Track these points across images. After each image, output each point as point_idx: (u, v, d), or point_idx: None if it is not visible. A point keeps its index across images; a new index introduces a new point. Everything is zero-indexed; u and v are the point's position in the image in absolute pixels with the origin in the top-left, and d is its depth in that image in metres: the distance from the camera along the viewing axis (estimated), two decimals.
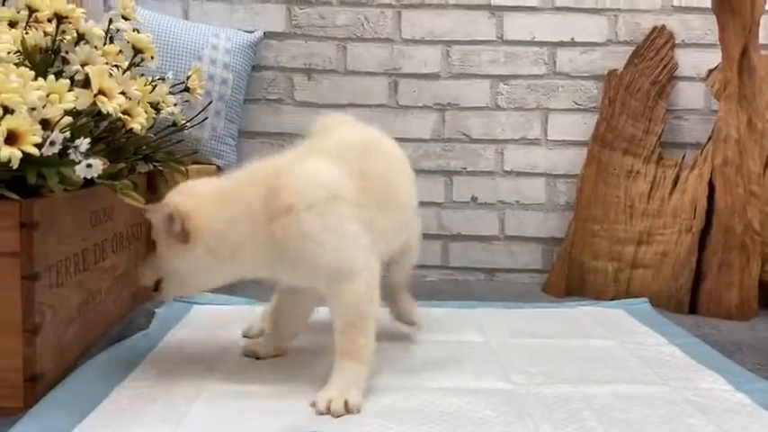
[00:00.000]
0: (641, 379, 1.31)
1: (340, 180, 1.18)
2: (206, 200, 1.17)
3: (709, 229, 1.87)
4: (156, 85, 1.41)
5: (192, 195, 1.19)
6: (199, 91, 1.68)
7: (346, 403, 1.11)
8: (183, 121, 1.72)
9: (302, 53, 2.15)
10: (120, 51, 1.38)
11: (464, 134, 2.18)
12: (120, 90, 1.22)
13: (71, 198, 1.24)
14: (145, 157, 1.36)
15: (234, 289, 1.94)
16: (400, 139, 2.10)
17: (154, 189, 1.79)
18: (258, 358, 1.39)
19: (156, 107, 1.44)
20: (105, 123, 1.24)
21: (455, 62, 2.16)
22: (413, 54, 2.16)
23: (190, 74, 1.70)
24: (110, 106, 1.11)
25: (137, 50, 1.39)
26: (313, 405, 1.14)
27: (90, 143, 1.09)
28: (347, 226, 1.15)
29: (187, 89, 1.67)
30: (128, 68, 1.36)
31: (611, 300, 1.96)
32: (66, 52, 1.24)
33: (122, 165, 1.21)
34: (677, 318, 1.80)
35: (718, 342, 1.59)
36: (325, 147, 1.26)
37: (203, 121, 1.80)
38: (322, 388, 1.16)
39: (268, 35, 2.12)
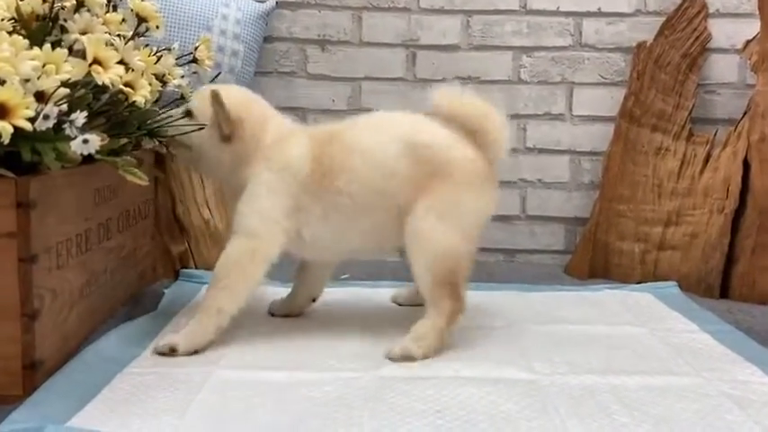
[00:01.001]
0: (673, 370, 1.24)
1: (300, 159, 1.31)
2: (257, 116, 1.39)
3: (743, 210, 1.78)
4: (161, 56, 1.34)
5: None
6: (207, 62, 1.60)
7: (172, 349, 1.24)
8: (191, 94, 1.65)
9: (316, 24, 2.06)
10: (124, 20, 1.30)
11: None
12: (120, 60, 1.14)
13: (71, 175, 1.18)
14: (150, 133, 1.29)
15: None
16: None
17: (162, 165, 1.73)
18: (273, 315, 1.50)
19: (161, 79, 1.36)
20: (107, 96, 1.17)
21: (476, 33, 2.06)
22: (431, 24, 2.06)
23: (198, 44, 1.62)
24: (106, 77, 1.04)
25: (141, 19, 1.31)
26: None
27: (87, 117, 1.02)
28: (274, 197, 1.29)
29: (195, 60, 1.59)
30: (131, 38, 1.28)
31: (638, 283, 1.88)
32: (65, 20, 1.17)
33: (125, 140, 1.14)
34: (708, 303, 1.72)
35: (753, 329, 1.50)
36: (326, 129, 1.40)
37: None
38: None
39: (281, 5, 2.04)
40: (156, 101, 1.37)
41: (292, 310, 1.51)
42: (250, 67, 1.94)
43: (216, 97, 1.31)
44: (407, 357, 1.24)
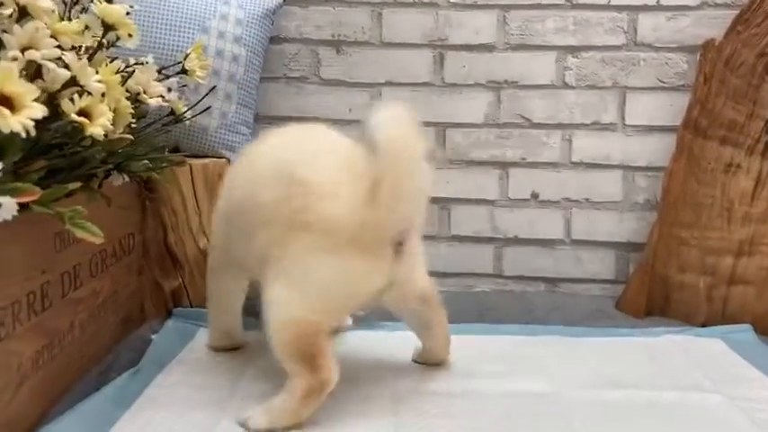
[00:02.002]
0: None
1: None
2: None
3: None
4: (133, 72, 1.10)
5: None
6: (199, 73, 1.38)
7: None
8: (184, 110, 1.43)
9: (329, 22, 1.81)
10: (87, 28, 1.07)
11: (524, 117, 1.82)
12: (74, 80, 0.91)
13: (14, 226, 0.95)
14: (118, 167, 1.06)
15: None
16: (447, 124, 1.82)
17: (151, 188, 1.51)
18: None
19: (135, 100, 1.13)
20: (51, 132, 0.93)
21: (514, 31, 1.79)
22: (462, 21, 1.79)
23: (189, 51, 1.39)
24: (13, 120, 0.78)
25: (107, 27, 1.08)
26: None
27: (19, 162, 0.79)
28: None
29: (184, 71, 1.36)
30: (96, 50, 1.05)
31: (703, 323, 1.61)
32: (4, 32, 0.93)
33: (70, 185, 0.90)
34: None
35: None
36: None
37: (206, 110, 1.48)
38: None
39: (289, 1, 1.78)
40: (134, 123, 1.15)
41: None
42: (254, 74, 1.69)
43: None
44: (246, 427, 1.06)
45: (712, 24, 1.74)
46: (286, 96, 1.83)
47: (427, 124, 1.80)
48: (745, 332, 1.51)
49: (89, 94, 0.95)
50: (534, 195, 1.84)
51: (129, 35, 1.12)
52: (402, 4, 1.79)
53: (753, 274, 1.59)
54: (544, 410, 1.14)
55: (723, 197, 1.65)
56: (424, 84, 1.82)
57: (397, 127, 0.99)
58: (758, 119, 1.66)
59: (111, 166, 1.04)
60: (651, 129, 1.79)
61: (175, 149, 1.64)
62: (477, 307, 1.44)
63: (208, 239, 1.58)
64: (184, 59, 1.36)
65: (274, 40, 1.80)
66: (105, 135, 0.97)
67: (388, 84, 1.82)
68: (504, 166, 1.83)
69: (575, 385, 1.24)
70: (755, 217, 1.62)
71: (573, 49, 1.79)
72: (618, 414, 1.13)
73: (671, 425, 1.10)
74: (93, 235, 0.90)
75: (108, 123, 0.96)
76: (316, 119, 1.81)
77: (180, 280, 1.56)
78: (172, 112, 1.41)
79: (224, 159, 1.66)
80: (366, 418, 1.10)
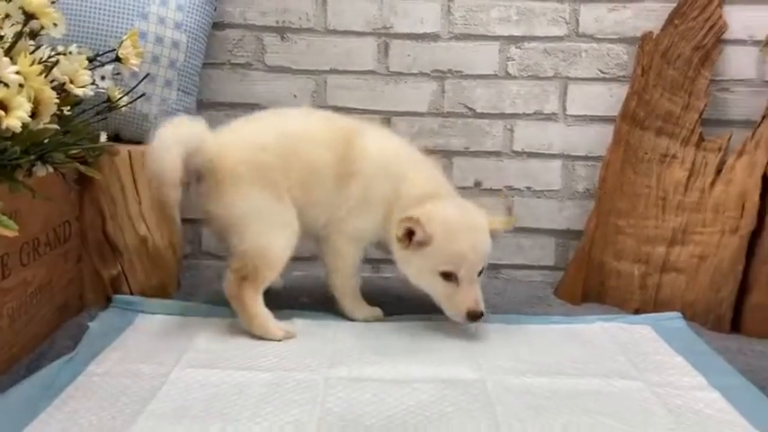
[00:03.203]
0: None
1: None
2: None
3: (761, 231, 1.55)
4: (57, 62, 1.09)
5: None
6: (133, 60, 1.36)
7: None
8: (119, 96, 1.42)
9: (274, 8, 1.80)
10: (7, 16, 1.05)
11: (467, 107, 1.83)
12: None
13: None
14: (41, 158, 1.05)
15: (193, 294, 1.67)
16: (391, 113, 1.83)
17: (83, 181, 1.48)
18: None
19: (61, 90, 1.12)
20: None
21: (458, 20, 1.80)
22: (407, 10, 1.80)
23: (124, 39, 1.38)
24: None
25: (28, 15, 1.06)
26: None
27: None
28: None
29: (118, 59, 1.35)
30: (15, 41, 1.04)
31: (636, 310, 1.66)
32: None
33: None
34: (717, 339, 1.50)
35: None
36: None
37: (141, 96, 1.47)
38: None
39: None
40: (63, 114, 1.14)
41: None
42: (195, 60, 1.68)
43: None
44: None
45: (652, 17, 1.76)
46: (230, 82, 1.82)
47: (372, 113, 1.81)
48: (674, 319, 1.56)
49: (6, 85, 0.94)
50: (477, 184, 1.86)
51: (55, 24, 1.11)
52: None
53: (685, 262, 1.64)
54: (469, 398, 1.16)
55: (658, 187, 1.69)
56: (369, 72, 1.82)
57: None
58: (693, 110, 1.71)
59: (33, 157, 1.03)
60: (591, 119, 1.82)
61: (116, 137, 1.63)
62: (419, 294, 1.46)
63: (148, 227, 1.58)
64: (119, 47, 1.35)
65: (217, 25, 1.79)
66: (25, 126, 0.97)
67: (333, 71, 1.82)
68: (448, 154, 1.85)
69: (502, 372, 1.27)
70: (689, 206, 1.66)
71: (516, 40, 1.81)
72: (540, 401, 1.16)
73: (589, 411, 1.13)
74: (6, 228, 0.89)
75: (26, 115, 0.95)
76: (261, 106, 1.81)
77: (119, 268, 1.55)
78: (108, 100, 1.41)
79: None
80: (298, 405, 1.12)
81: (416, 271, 1.40)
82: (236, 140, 1.40)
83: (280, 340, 1.38)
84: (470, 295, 1.36)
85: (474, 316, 1.36)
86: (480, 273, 1.40)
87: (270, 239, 1.38)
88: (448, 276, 1.37)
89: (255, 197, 1.37)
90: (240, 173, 1.36)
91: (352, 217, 1.44)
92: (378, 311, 1.52)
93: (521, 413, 1.11)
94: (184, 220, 1.78)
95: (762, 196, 1.55)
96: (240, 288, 1.38)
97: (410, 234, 1.37)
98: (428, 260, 1.37)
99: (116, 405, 1.11)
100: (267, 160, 1.37)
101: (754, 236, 1.56)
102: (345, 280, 1.50)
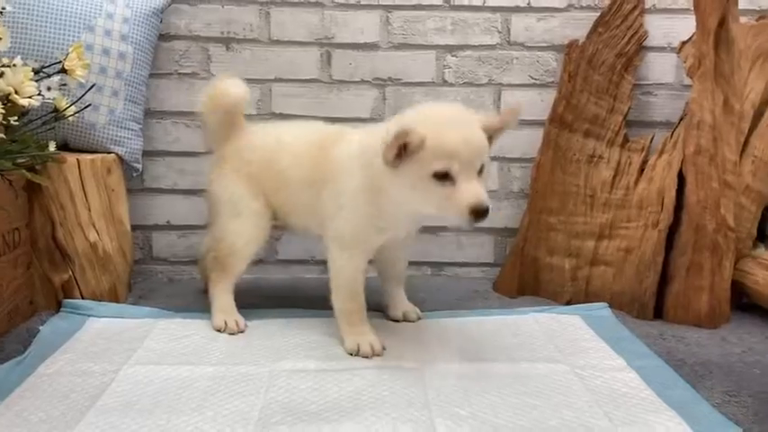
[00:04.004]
0: (590, 423, 1.11)
1: None
2: None
3: (679, 226, 1.66)
4: (2, 74, 1.14)
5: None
6: (78, 72, 1.41)
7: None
8: (66, 106, 1.46)
9: (219, 20, 1.86)
10: None
11: None
12: None
13: None
14: None
15: (144, 298, 1.71)
16: (335, 119, 1.89)
17: (32, 188, 1.52)
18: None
19: (6, 100, 1.17)
20: None
21: (396, 30, 1.89)
22: (347, 21, 1.88)
23: (69, 51, 1.43)
24: None
25: None
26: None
27: None
28: None
29: (64, 70, 1.40)
30: None
31: (569, 301, 1.76)
32: None
33: None
34: (640, 325, 1.61)
35: (686, 363, 1.39)
36: None
37: (87, 107, 1.52)
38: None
39: None
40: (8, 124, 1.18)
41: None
42: (142, 71, 1.73)
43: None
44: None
45: (578, 26, 1.87)
46: (178, 92, 1.87)
47: (316, 118, 1.87)
48: (601, 309, 1.66)
49: None
50: None
51: None
52: (289, 3, 1.86)
53: (612, 255, 1.74)
54: (404, 383, 1.24)
55: (586, 186, 1.79)
56: (312, 80, 1.89)
57: None
58: (617, 113, 1.82)
59: None
60: (524, 123, 1.91)
61: (64, 146, 1.68)
62: (366, 291, 1.52)
63: (98, 233, 1.62)
64: (64, 59, 1.40)
65: (164, 37, 1.84)
66: None
67: (278, 80, 1.89)
68: None
69: (438, 360, 1.35)
70: (614, 203, 1.77)
71: (451, 48, 1.90)
72: (470, 385, 1.24)
73: (515, 392, 1.22)
74: None
75: None
76: None
77: (70, 273, 1.59)
78: (55, 110, 1.45)
79: (113, 155, 1.69)
80: (242, 396, 1.18)
81: (410, 186, 1.27)
82: (250, 137, 1.57)
83: (233, 333, 1.48)
84: (471, 190, 1.23)
85: (478, 212, 1.21)
86: (481, 171, 1.27)
87: (237, 229, 1.52)
88: (442, 177, 1.23)
89: (236, 190, 1.53)
90: (235, 167, 1.54)
91: (333, 219, 1.42)
92: (376, 344, 1.39)
93: (451, 395, 1.20)
94: (135, 227, 1.84)
95: (678, 192, 1.66)
96: (211, 271, 1.56)
97: (401, 150, 1.24)
98: (420, 166, 1.24)
99: (65, 402, 1.16)
100: (252, 165, 1.53)
101: (673, 229, 1.67)
102: (342, 302, 1.44)
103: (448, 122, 1.28)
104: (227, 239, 1.52)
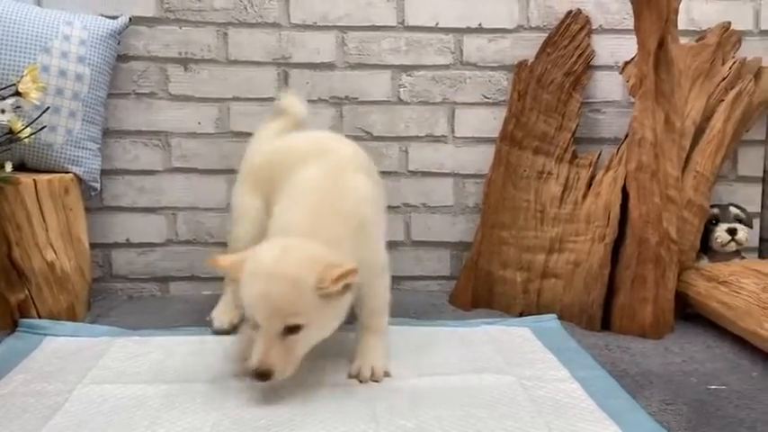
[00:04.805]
0: None
1: None
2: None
3: (624, 239, 1.72)
4: None
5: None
6: (33, 95, 1.44)
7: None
8: (21, 128, 1.48)
9: (177, 40, 1.89)
10: None
11: (365, 131, 1.97)
12: None
13: None
14: None
15: (103, 316, 1.73)
16: None
17: None
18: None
19: None
20: None
21: (352, 51, 1.94)
22: (304, 41, 1.92)
23: (24, 74, 1.45)
24: None
25: None
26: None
27: None
28: None
29: (18, 93, 1.42)
30: None
31: (521, 313, 1.81)
32: None
33: None
34: (588, 336, 1.66)
35: (628, 373, 1.45)
36: None
37: (42, 128, 1.54)
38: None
39: (135, 20, 1.86)
40: None
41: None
42: (100, 92, 1.76)
43: None
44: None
45: (528, 45, 1.94)
46: (136, 111, 1.90)
47: None
48: (550, 321, 1.71)
49: None
50: None
51: None
52: (246, 24, 1.90)
53: (561, 268, 1.80)
54: (353, 399, 1.27)
55: (536, 201, 1.85)
56: (271, 99, 1.92)
57: None
58: (566, 130, 1.88)
59: None
60: (478, 140, 1.98)
61: (21, 166, 1.69)
62: None
63: (55, 252, 1.64)
64: (19, 81, 1.42)
65: (122, 58, 1.87)
66: None
67: (236, 99, 1.92)
68: None
69: (390, 376, 1.38)
70: (564, 218, 1.83)
71: (406, 68, 1.95)
72: (417, 398, 1.28)
73: (461, 404, 1.25)
74: None
75: None
76: (167, 133, 1.91)
77: (27, 292, 1.60)
78: (10, 131, 1.47)
79: (70, 174, 1.71)
80: (194, 412, 1.21)
81: None
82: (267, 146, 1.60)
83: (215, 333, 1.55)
84: (255, 351, 1.18)
85: (254, 374, 1.18)
86: (293, 330, 1.18)
87: (236, 229, 1.57)
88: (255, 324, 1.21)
89: (245, 195, 1.55)
90: (251, 170, 1.57)
91: None
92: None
93: (398, 408, 1.23)
94: (94, 245, 1.86)
95: (623, 207, 1.72)
96: None
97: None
98: None
99: (17, 422, 1.17)
100: (263, 170, 1.52)
101: (618, 243, 1.73)
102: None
103: (260, 271, 1.19)
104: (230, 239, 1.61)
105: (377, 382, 1.34)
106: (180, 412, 1.21)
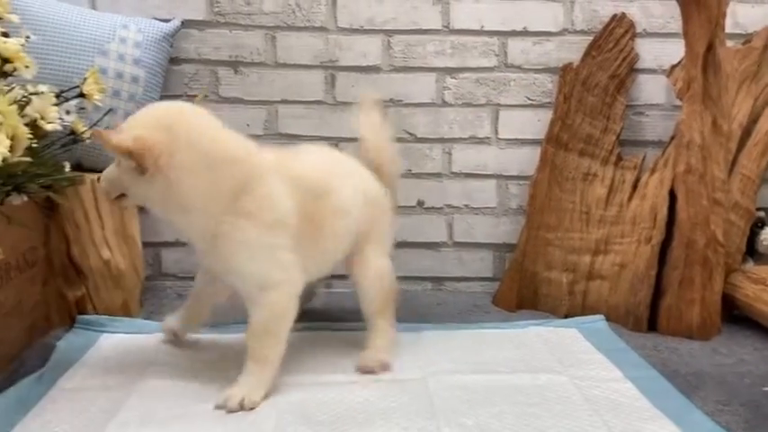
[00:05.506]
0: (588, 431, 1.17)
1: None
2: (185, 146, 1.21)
3: (670, 241, 1.73)
4: (29, 101, 1.20)
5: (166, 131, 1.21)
6: (96, 96, 1.47)
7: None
8: (84, 129, 1.52)
9: (227, 44, 1.93)
10: None
11: (408, 133, 1.99)
12: None
13: None
14: (16, 188, 1.15)
15: (155, 313, 1.76)
16: (339, 139, 1.97)
17: (52, 205, 1.58)
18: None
19: (34, 125, 1.22)
20: None
21: (397, 54, 1.96)
22: (351, 45, 1.95)
23: (87, 76, 1.49)
24: None
25: (4, 60, 1.18)
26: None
27: None
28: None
29: (82, 95, 1.46)
30: None
31: (566, 314, 1.82)
32: None
33: None
34: (635, 338, 1.67)
35: (679, 373, 1.45)
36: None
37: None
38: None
39: (187, 24, 1.89)
40: (34, 148, 1.24)
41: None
42: (153, 93, 1.79)
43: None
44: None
45: (572, 49, 1.95)
46: None
47: (321, 139, 1.94)
48: (597, 322, 1.72)
49: None
50: (420, 203, 2.01)
51: (27, 66, 1.21)
52: (294, 27, 1.93)
53: (607, 269, 1.81)
54: (410, 395, 1.30)
55: (582, 203, 1.86)
56: (317, 102, 1.96)
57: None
58: (611, 133, 1.89)
59: (10, 187, 1.13)
60: (521, 142, 1.99)
61: (77, 166, 1.73)
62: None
63: (111, 250, 1.68)
64: (82, 83, 1.46)
65: (174, 60, 1.90)
66: (4, 160, 1.07)
67: (284, 102, 1.95)
68: None
69: (441, 372, 1.40)
70: (609, 220, 1.83)
71: (451, 71, 1.97)
72: (474, 396, 1.30)
73: (517, 402, 1.27)
74: None
75: (5, 151, 1.05)
76: None
77: (84, 289, 1.64)
78: (72, 132, 1.51)
79: None
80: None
81: None
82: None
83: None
84: None
85: None
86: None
87: None
88: None
89: None
90: None
91: None
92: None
93: (456, 406, 1.25)
94: (145, 243, 1.89)
95: (670, 209, 1.73)
96: None
97: None
98: None
99: (86, 415, 1.20)
100: None
101: (666, 245, 1.74)
102: None
103: None
104: None
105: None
106: None
